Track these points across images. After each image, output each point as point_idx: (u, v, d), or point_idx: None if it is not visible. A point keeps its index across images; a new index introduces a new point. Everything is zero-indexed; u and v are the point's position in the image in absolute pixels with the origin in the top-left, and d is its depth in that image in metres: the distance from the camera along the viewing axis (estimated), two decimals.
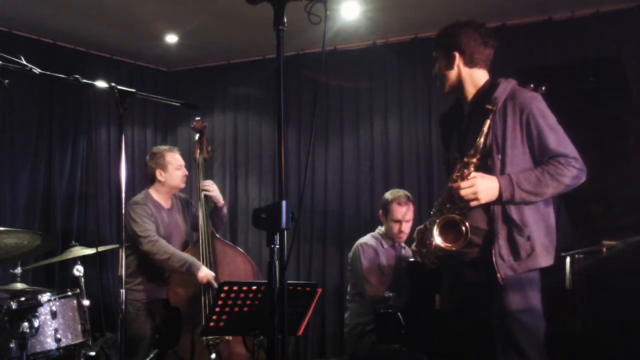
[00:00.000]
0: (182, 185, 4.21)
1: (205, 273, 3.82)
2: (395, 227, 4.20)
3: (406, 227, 4.22)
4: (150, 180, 4.17)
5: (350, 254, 4.28)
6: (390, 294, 4.02)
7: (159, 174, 4.13)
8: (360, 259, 4.12)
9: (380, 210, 4.30)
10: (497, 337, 2.54)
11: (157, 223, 4.03)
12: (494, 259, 2.48)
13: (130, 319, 3.88)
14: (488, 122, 2.51)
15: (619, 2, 4.78)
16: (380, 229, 4.32)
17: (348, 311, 4.26)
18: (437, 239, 2.53)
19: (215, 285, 3.77)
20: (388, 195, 4.29)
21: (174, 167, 4.13)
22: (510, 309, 2.48)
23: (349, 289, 4.32)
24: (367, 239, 4.26)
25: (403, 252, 4.34)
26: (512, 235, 2.50)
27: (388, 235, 4.27)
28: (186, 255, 3.89)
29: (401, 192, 4.29)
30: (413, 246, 2.85)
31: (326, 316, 5.58)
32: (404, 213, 4.19)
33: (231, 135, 6.24)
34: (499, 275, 2.47)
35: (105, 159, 5.89)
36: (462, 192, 2.48)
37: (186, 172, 4.21)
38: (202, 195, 4.07)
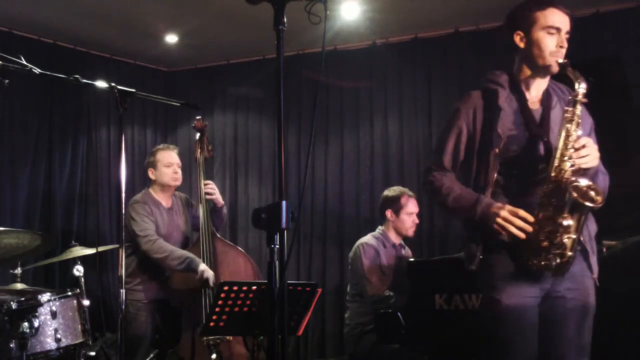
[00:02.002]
0: (173, 183, 4.15)
1: (206, 267, 3.82)
2: (409, 220, 4.23)
3: (416, 219, 4.28)
4: (149, 179, 4.18)
5: (351, 254, 4.28)
6: (391, 293, 4.02)
7: (151, 172, 4.13)
8: (362, 259, 4.12)
9: (389, 210, 4.25)
10: (573, 334, 2.44)
11: (156, 222, 4.02)
12: (591, 259, 2.46)
13: (130, 319, 3.88)
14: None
15: (619, 2, 4.78)
16: (381, 229, 4.32)
17: (348, 311, 4.26)
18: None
19: (212, 284, 3.77)
20: (392, 192, 4.30)
21: (162, 165, 4.11)
22: (593, 308, 2.47)
23: (348, 289, 4.32)
24: (368, 238, 4.26)
25: (403, 252, 4.34)
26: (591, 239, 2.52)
27: (392, 234, 4.27)
28: (185, 252, 3.88)
29: (401, 187, 4.37)
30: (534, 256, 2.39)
31: (326, 316, 5.58)
32: (415, 204, 4.28)
33: (231, 135, 6.25)
34: (594, 276, 2.47)
35: (105, 159, 5.89)
36: (585, 155, 2.35)
37: (177, 171, 4.15)
38: (203, 195, 4.07)
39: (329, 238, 5.72)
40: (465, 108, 2.57)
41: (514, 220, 2.35)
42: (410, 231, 4.28)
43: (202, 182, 4.09)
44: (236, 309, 2.84)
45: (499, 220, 2.36)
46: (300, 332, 3.03)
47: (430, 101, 5.47)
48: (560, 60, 2.43)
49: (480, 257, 2.48)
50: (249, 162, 6.16)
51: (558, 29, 2.45)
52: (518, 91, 2.54)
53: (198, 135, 4.19)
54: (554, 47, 2.45)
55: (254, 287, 2.84)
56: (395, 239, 4.29)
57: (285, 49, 1.87)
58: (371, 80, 5.70)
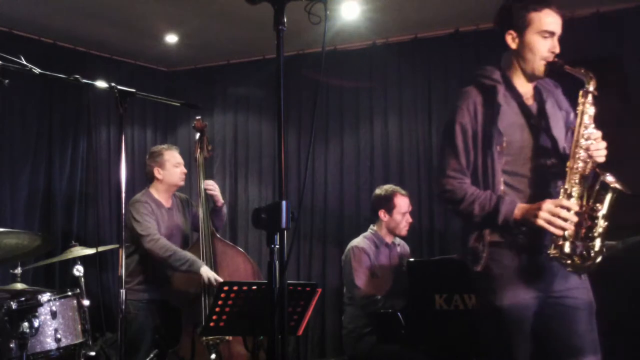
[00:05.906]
0: (181, 184, 4.21)
1: (207, 269, 3.81)
2: (403, 219, 4.22)
3: (409, 218, 4.26)
4: (150, 179, 4.18)
5: (343, 257, 4.25)
6: (379, 297, 3.98)
7: (157, 172, 4.14)
8: (351, 263, 4.10)
9: (382, 210, 4.24)
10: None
11: (157, 221, 4.03)
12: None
13: (130, 319, 3.88)
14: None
15: (619, 2, 4.78)
16: (373, 228, 4.29)
17: (345, 314, 4.24)
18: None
19: (215, 283, 3.77)
20: (384, 191, 4.26)
21: (172, 165, 4.14)
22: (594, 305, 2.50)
23: (344, 291, 4.31)
24: (359, 240, 4.23)
25: (398, 249, 4.33)
26: None
27: (384, 233, 4.25)
28: (187, 254, 3.89)
29: (392, 185, 4.35)
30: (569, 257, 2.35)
31: (326, 316, 5.58)
32: (408, 203, 4.25)
33: (231, 135, 6.24)
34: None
35: (105, 159, 5.88)
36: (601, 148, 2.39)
37: (185, 170, 4.22)
38: (203, 195, 4.07)
39: (329, 238, 5.72)
40: (465, 105, 2.53)
41: (560, 212, 2.29)
42: (403, 230, 4.25)
43: (202, 182, 4.10)
44: (236, 309, 2.84)
45: (543, 215, 2.29)
46: (300, 332, 3.04)
47: (430, 101, 5.46)
48: (551, 60, 2.44)
49: (486, 257, 2.42)
50: (249, 162, 6.15)
51: (552, 33, 2.46)
52: (511, 88, 2.53)
53: (198, 135, 4.20)
54: (547, 52, 2.46)
55: (254, 287, 2.84)
56: (388, 238, 4.27)
57: (285, 49, 1.88)
58: (371, 80, 5.70)
